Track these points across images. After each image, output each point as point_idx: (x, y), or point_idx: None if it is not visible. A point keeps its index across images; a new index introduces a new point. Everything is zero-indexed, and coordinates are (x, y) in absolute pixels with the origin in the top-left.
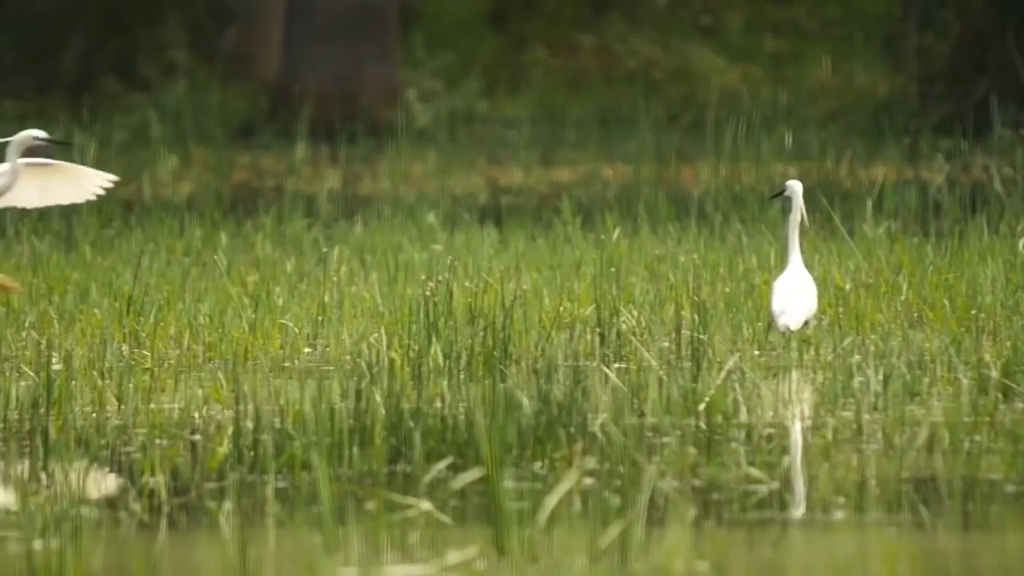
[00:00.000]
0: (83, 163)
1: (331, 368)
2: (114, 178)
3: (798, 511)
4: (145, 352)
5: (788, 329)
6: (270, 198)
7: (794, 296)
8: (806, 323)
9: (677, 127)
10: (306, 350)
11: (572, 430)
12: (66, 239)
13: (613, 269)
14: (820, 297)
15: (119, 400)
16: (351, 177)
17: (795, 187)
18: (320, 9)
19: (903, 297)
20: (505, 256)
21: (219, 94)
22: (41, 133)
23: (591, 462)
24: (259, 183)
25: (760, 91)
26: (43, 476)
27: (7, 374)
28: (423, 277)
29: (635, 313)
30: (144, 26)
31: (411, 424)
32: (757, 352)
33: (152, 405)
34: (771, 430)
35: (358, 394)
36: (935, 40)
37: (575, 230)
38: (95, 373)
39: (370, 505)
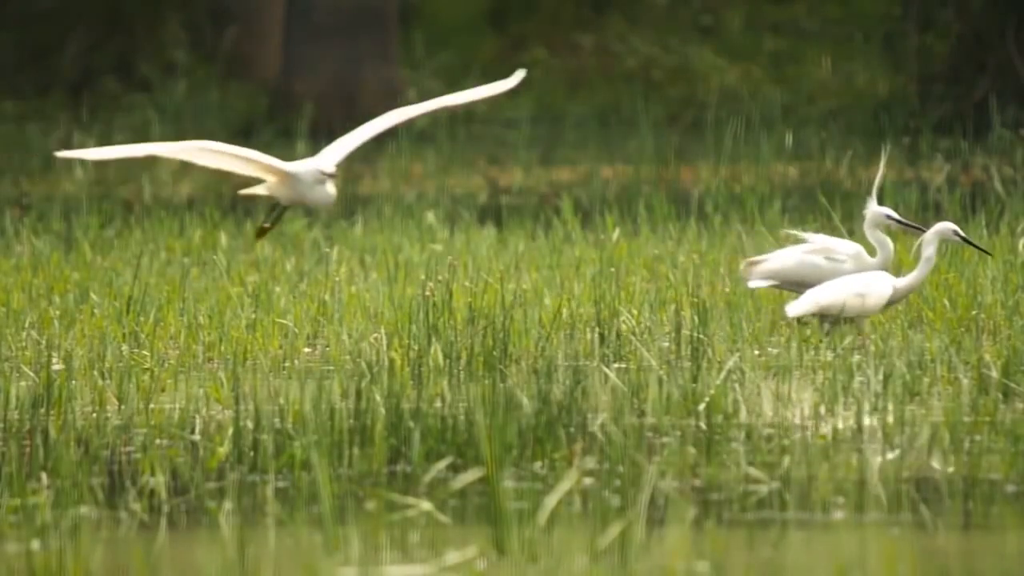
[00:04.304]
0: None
1: (331, 368)
2: None
3: (798, 511)
4: (145, 352)
5: (785, 315)
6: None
7: (821, 289)
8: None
9: (677, 127)
10: (306, 350)
11: (572, 430)
12: (66, 239)
13: (613, 269)
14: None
15: (119, 400)
16: (351, 177)
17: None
18: (320, 9)
19: None
20: (505, 256)
21: (219, 94)
22: (892, 213)
23: (591, 462)
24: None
25: (760, 91)
26: (43, 476)
27: (7, 374)
28: (423, 277)
29: (635, 313)
30: (144, 26)
31: (411, 424)
32: (757, 352)
33: (152, 405)
34: (771, 430)
35: (358, 394)
36: (935, 40)
37: (575, 230)
38: (95, 373)
39: (370, 505)
